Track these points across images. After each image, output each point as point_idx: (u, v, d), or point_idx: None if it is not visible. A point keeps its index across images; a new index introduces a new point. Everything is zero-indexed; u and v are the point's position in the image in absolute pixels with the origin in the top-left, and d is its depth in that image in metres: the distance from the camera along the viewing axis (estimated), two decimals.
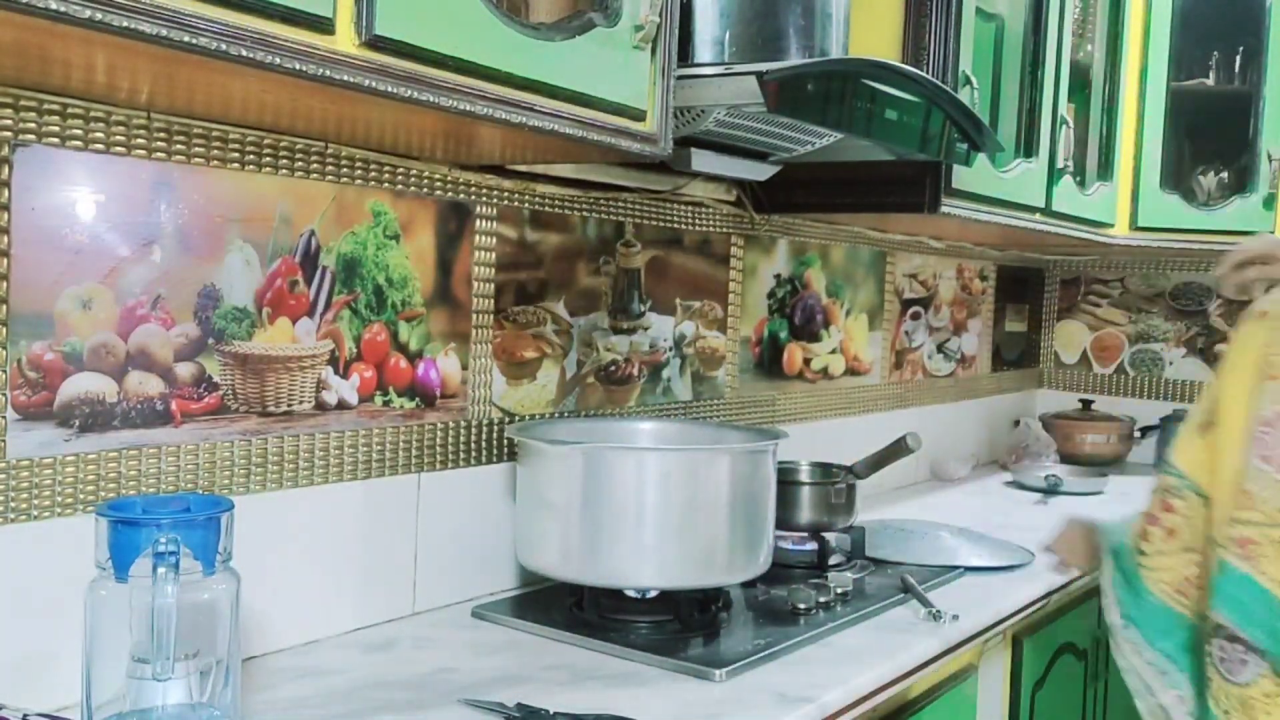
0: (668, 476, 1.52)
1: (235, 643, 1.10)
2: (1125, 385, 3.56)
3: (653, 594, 1.57)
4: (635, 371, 2.00)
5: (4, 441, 1.17)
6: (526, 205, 1.75)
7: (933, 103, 1.73)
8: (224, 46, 0.92)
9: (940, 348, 3.11)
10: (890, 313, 2.84)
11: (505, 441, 1.73)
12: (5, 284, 1.16)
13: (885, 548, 2.04)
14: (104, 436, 1.25)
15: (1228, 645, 1.30)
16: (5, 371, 1.17)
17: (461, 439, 1.67)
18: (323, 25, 0.99)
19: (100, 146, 1.22)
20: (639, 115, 1.37)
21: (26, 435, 1.19)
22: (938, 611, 1.66)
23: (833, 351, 2.60)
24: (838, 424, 2.61)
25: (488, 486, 1.71)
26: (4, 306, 1.16)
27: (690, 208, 2.10)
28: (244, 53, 0.93)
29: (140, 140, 1.26)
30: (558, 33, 1.25)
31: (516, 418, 1.76)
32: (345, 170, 1.48)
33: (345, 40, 1.02)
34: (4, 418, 1.17)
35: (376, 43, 1.03)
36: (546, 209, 1.79)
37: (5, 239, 1.15)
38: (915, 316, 2.96)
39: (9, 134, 1.15)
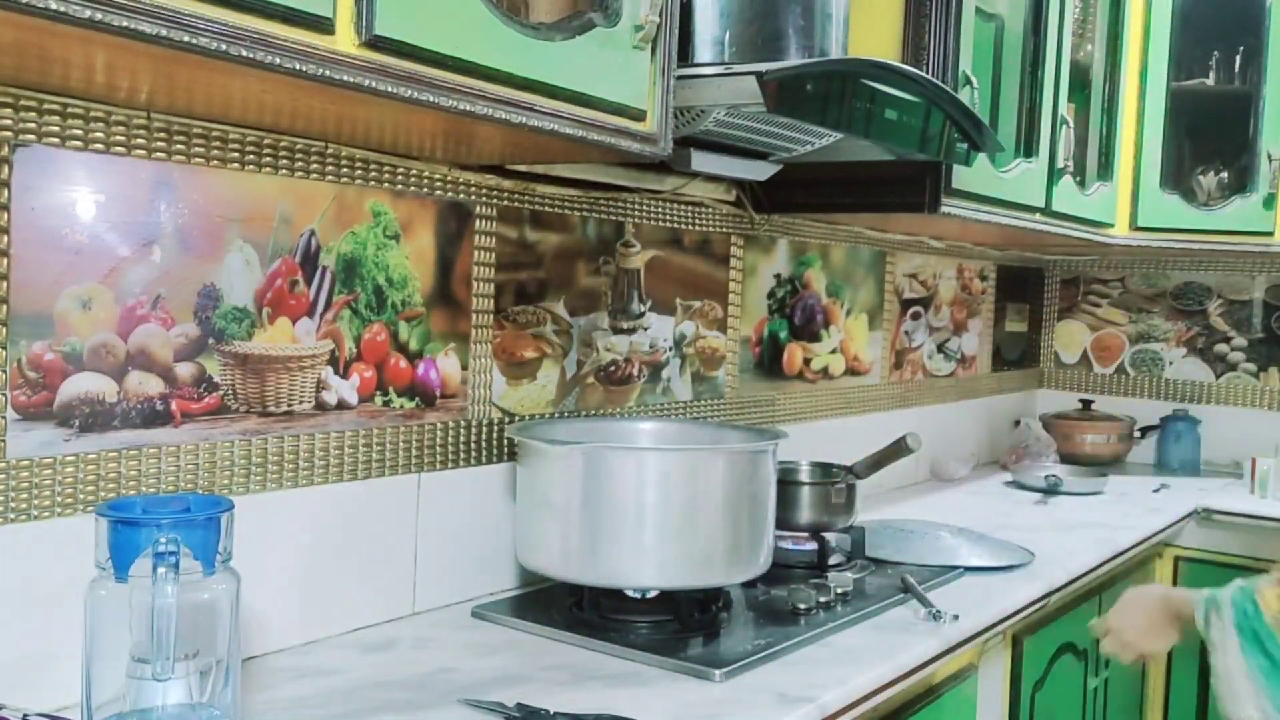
0: (668, 476, 1.52)
1: (235, 643, 1.10)
2: (1125, 385, 3.56)
3: (653, 594, 1.57)
4: (635, 371, 2.00)
5: (4, 441, 1.17)
6: (526, 205, 1.75)
7: (932, 103, 1.73)
8: (224, 46, 0.92)
9: (940, 348, 3.11)
10: (890, 313, 2.84)
11: (505, 441, 1.73)
12: (5, 284, 1.16)
13: (885, 548, 2.04)
14: (104, 436, 1.25)
15: None
16: (5, 371, 1.17)
17: (461, 439, 1.67)
18: (323, 25, 0.99)
19: (100, 146, 1.22)
20: (639, 115, 1.37)
21: (26, 435, 1.19)
22: (938, 611, 1.66)
23: (833, 351, 2.60)
24: (838, 424, 2.61)
25: (488, 486, 1.71)
26: (4, 306, 1.16)
27: (690, 208, 2.10)
28: (244, 53, 0.93)
29: (140, 140, 1.26)
30: (558, 33, 1.25)
31: (516, 418, 1.76)
32: (345, 170, 1.48)
33: (345, 40, 1.02)
34: (4, 418, 1.17)
35: (376, 43, 1.03)
36: (546, 209, 1.79)
37: (5, 239, 1.15)
38: (915, 316, 2.96)
39: (9, 134, 1.15)
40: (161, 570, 1.01)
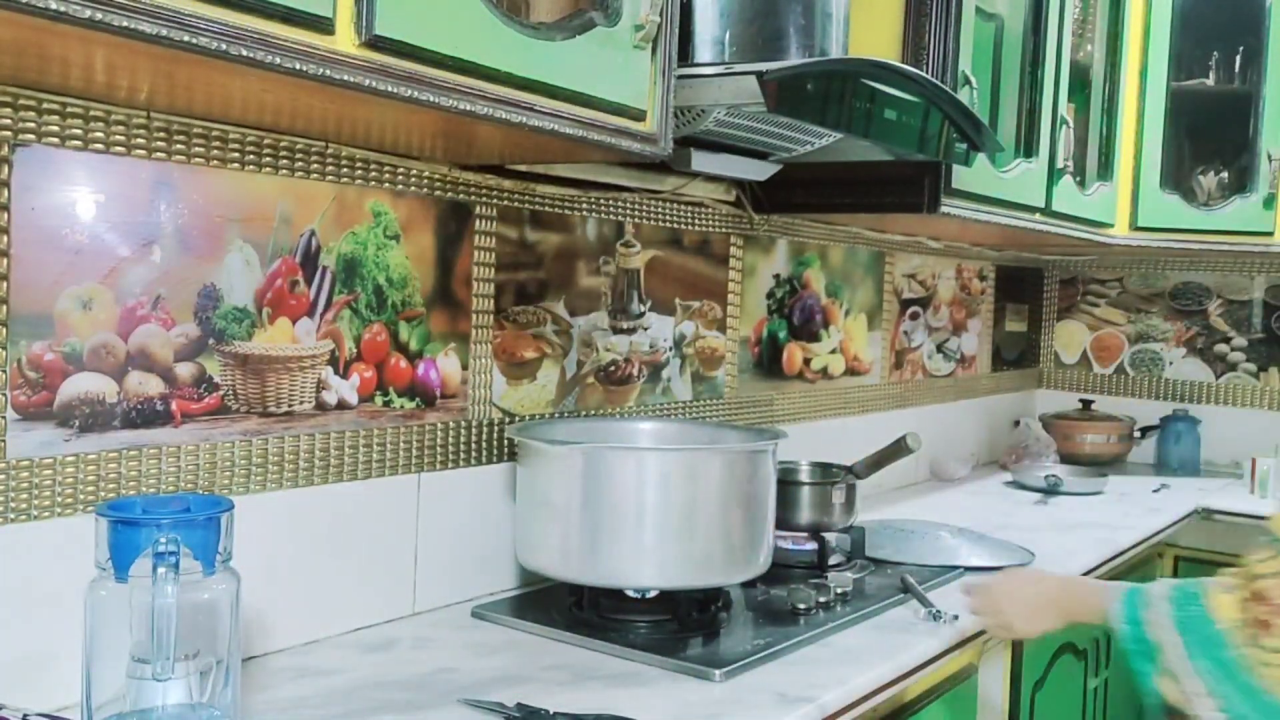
0: (668, 476, 1.52)
1: (235, 643, 1.10)
2: (1125, 385, 3.56)
3: (652, 594, 1.57)
4: (635, 371, 2.00)
5: (4, 441, 1.17)
6: (526, 205, 1.75)
7: (932, 103, 1.73)
8: (224, 46, 0.92)
9: (940, 348, 3.11)
10: (889, 313, 2.84)
11: (505, 441, 1.73)
12: (5, 284, 1.16)
13: (885, 548, 2.04)
14: (104, 436, 1.25)
15: None
16: (5, 371, 1.17)
17: (461, 439, 1.67)
18: (323, 25, 0.99)
19: (100, 146, 1.22)
20: (639, 115, 1.37)
21: (26, 435, 1.18)
22: (938, 611, 1.66)
23: (832, 351, 2.60)
24: (837, 424, 2.61)
25: (488, 486, 1.71)
26: (4, 307, 1.16)
27: (690, 208, 2.10)
28: (244, 52, 0.93)
29: (140, 140, 1.26)
30: (558, 32, 1.25)
31: (516, 418, 1.76)
32: (345, 170, 1.48)
33: (345, 40, 1.02)
34: (4, 418, 1.17)
35: (376, 43, 1.03)
36: (546, 209, 1.79)
37: (5, 239, 1.15)
38: (914, 316, 2.96)
39: (9, 134, 1.15)
40: (161, 570, 1.01)
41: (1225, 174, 3.03)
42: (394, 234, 1.55)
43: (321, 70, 1.00)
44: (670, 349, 2.08)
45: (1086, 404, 3.44)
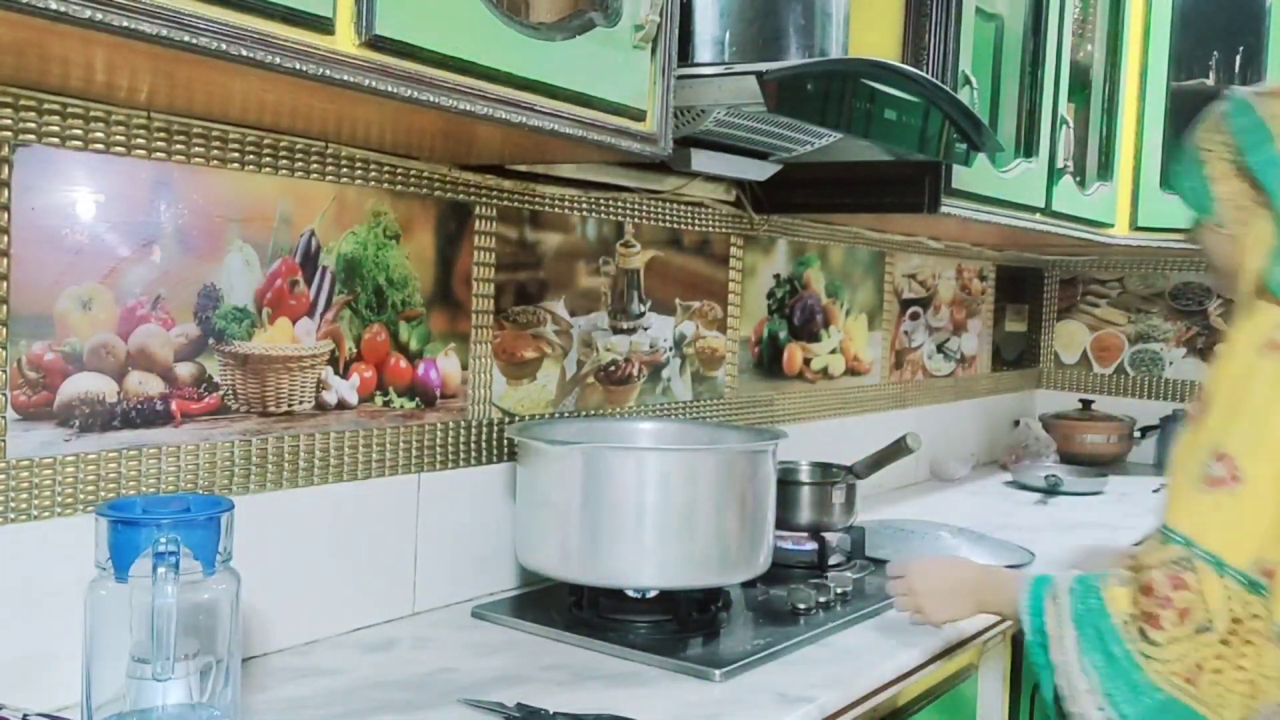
0: (668, 476, 1.52)
1: (235, 643, 1.10)
2: (1125, 385, 3.56)
3: (652, 594, 1.57)
4: (635, 371, 2.00)
5: (4, 441, 1.17)
6: (526, 205, 1.75)
7: (932, 103, 1.73)
8: (224, 46, 0.92)
9: (940, 348, 3.11)
10: (889, 313, 2.84)
11: (505, 441, 1.73)
12: (5, 284, 1.16)
13: (885, 548, 2.04)
14: (104, 436, 1.25)
15: None
16: (5, 371, 1.17)
17: (461, 439, 1.67)
18: (323, 25, 0.99)
19: (100, 146, 1.22)
20: (639, 115, 1.37)
21: (26, 435, 1.18)
22: None
23: (832, 351, 2.60)
24: (837, 424, 2.61)
25: (488, 486, 1.71)
26: (4, 306, 1.16)
27: (690, 208, 2.10)
28: (244, 52, 0.93)
29: (140, 140, 1.26)
30: (558, 33, 1.25)
31: (516, 418, 1.76)
32: (345, 170, 1.48)
33: (345, 40, 1.02)
34: (4, 418, 1.17)
35: (376, 43, 1.03)
36: (546, 209, 1.79)
37: (5, 239, 1.15)
38: (914, 316, 2.96)
39: (9, 134, 1.15)
40: (161, 570, 1.01)
41: None
42: (394, 234, 1.55)
43: (321, 70, 1.00)
44: (670, 349, 2.08)
45: (1086, 404, 3.44)
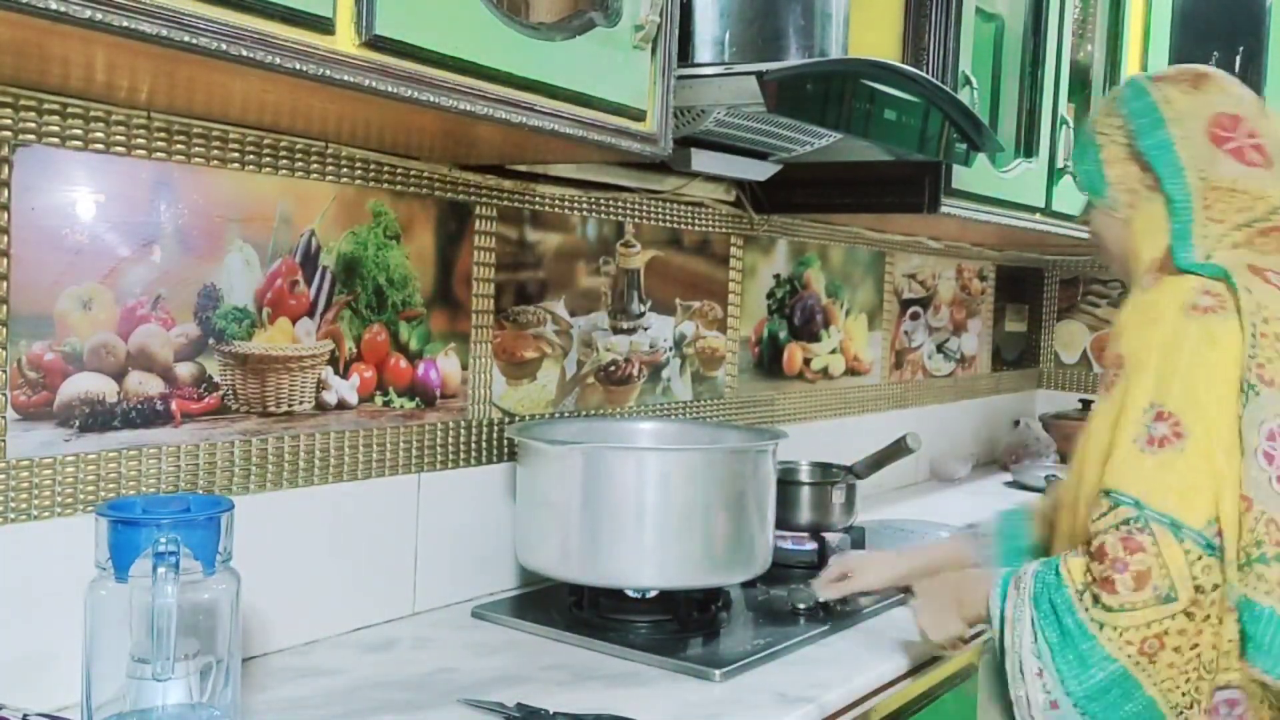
0: (667, 476, 1.52)
1: (235, 643, 1.10)
2: None
3: (652, 594, 1.57)
4: (635, 371, 2.00)
5: (4, 441, 1.17)
6: (526, 205, 1.75)
7: (932, 103, 1.73)
8: (224, 46, 0.92)
9: (940, 348, 3.11)
10: (889, 313, 2.84)
11: (505, 441, 1.73)
12: (5, 284, 1.16)
13: (885, 548, 2.04)
14: (104, 436, 1.25)
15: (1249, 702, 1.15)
16: (5, 371, 1.17)
17: (461, 439, 1.67)
18: (323, 25, 0.99)
19: (100, 146, 1.22)
20: (639, 115, 1.37)
21: (26, 435, 1.18)
22: None
23: (832, 351, 2.60)
24: (837, 424, 2.61)
25: (488, 486, 1.71)
26: (4, 306, 1.16)
27: (690, 208, 2.11)
28: (244, 53, 0.93)
29: (140, 140, 1.26)
30: (558, 33, 1.25)
31: (516, 418, 1.76)
32: (345, 170, 1.48)
33: (345, 40, 1.02)
34: (4, 418, 1.17)
35: (376, 43, 1.03)
36: (546, 209, 1.79)
37: (5, 239, 1.15)
38: (914, 316, 2.96)
39: (9, 134, 1.15)
40: (161, 570, 1.01)
41: None
42: (394, 234, 1.55)
43: (322, 70, 1.00)
44: (670, 349, 2.08)
45: (1086, 404, 3.43)
